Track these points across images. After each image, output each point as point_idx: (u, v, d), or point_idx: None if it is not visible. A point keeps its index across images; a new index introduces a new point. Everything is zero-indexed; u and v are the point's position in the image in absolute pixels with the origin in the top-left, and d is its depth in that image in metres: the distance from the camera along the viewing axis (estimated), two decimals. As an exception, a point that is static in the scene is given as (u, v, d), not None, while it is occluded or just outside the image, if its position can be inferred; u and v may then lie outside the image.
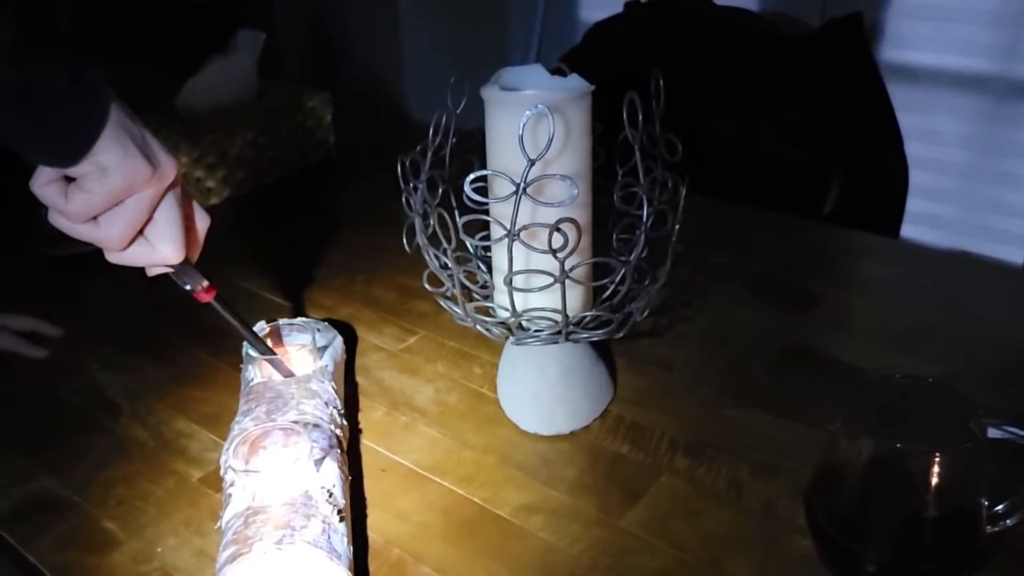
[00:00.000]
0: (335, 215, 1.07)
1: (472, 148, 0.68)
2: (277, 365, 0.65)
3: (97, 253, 0.58)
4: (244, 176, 1.12)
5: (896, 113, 1.41)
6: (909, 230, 1.53)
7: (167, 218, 0.56)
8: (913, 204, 1.50)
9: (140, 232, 0.56)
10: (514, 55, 2.07)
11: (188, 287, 0.61)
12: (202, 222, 0.62)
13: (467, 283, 0.62)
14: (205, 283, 0.61)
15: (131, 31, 1.51)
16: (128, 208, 0.54)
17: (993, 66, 1.60)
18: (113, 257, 0.57)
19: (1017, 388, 0.70)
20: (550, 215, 0.57)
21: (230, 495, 0.55)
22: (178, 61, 1.25)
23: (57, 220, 0.54)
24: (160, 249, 0.57)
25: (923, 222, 1.64)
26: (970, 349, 0.76)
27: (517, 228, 0.55)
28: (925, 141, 1.62)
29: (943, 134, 1.66)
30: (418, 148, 0.64)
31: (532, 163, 0.54)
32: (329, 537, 0.51)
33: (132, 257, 0.57)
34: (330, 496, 0.55)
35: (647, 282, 0.65)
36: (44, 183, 0.52)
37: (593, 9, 1.94)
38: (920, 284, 0.87)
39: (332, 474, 0.57)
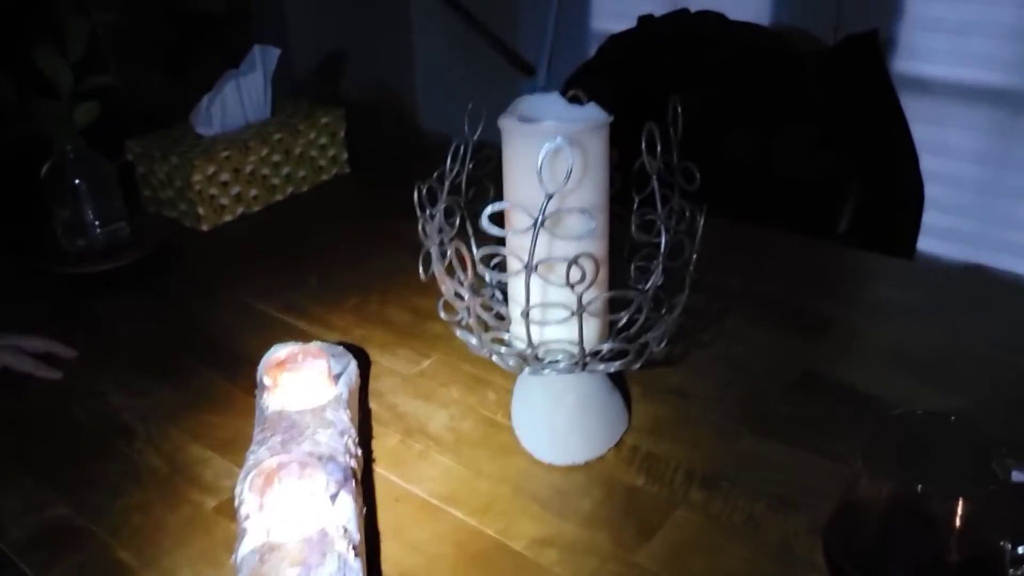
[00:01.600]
0: (349, 232, 1.07)
1: (488, 174, 0.68)
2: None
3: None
4: (258, 192, 1.12)
5: (911, 126, 1.40)
6: (924, 243, 1.52)
7: None
8: (928, 217, 1.49)
9: None
10: (524, 62, 2.07)
11: None
12: None
13: (483, 315, 0.62)
14: None
15: (147, 42, 1.51)
16: None
17: (1009, 79, 1.59)
18: None
19: (1038, 419, 0.70)
20: (568, 246, 0.57)
21: (245, 529, 0.55)
22: (194, 71, 1.26)
23: None
24: None
25: (938, 235, 1.64)
26: (990, 378, 0.75)
27: (535, 261, 0.55)
28: (940, 154, 1.61)
29: (958, 147, 1.65)
30: (435, 175, 0.64)
31: (550, 197, 0.54)
32: (344, 575, 0.51)
33: None
34: (345, 532, 0.55)
35: (664, 311, 0.65)
36: None
37: (605, 19, 1.94)
38: (937, 308, 0.86)
39: (347, 508, 0.57)
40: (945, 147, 1.62)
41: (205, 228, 1.07)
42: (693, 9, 1.29)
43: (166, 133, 1.12)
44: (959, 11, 1.58)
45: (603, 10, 1.90)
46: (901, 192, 1.25)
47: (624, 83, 1.21)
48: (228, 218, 1.10)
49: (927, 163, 1.46)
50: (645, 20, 1.33)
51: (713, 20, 1.26)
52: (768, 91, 1.22)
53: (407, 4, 1.86)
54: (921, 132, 1.44)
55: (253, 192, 1.12)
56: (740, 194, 1.20)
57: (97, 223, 1.01)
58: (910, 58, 1.63)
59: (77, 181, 0.98)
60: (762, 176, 1.23)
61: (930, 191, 1.46)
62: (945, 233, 1.67)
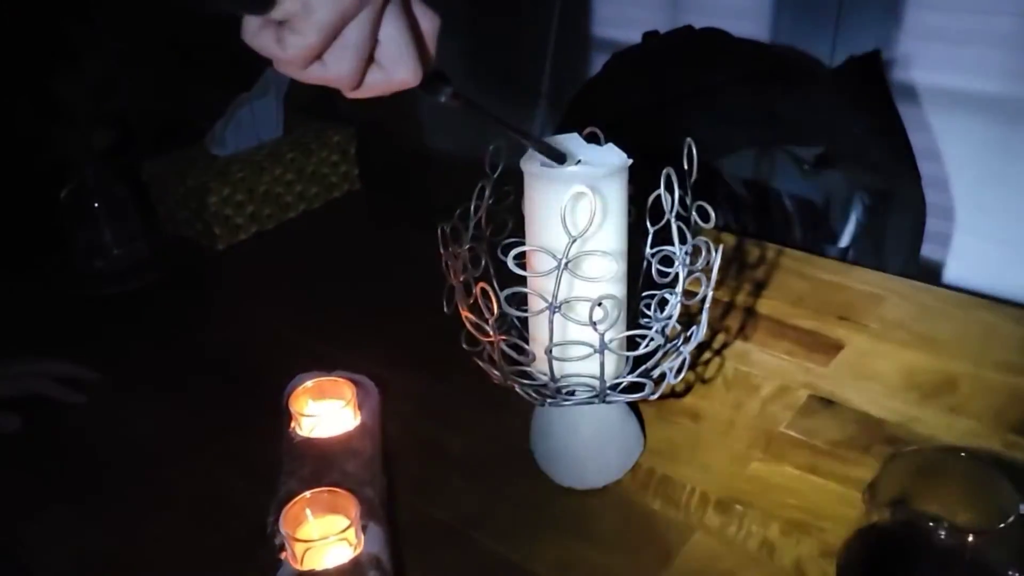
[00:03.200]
0: (363, 248, 1.09)
1: (508, 207, 0.70)
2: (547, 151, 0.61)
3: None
4: (271, 211, 1.14)
5: (909, 134, 1.42)
6: (924, 249, 1.54)
7: (394, 37, 0.51)
8: (927, 224, 1.51)
9: (371, 59, 0.51)
10: (526, 71, 2.08)
11: (433, 98, 0.56)
12: (429, 23, 0.54)
13: (507, 350, 0.64)
14: (450, 90, 0.56)
15: (163, 53, 1.52)
16: (350, 40, 0.48)
17: (1007, 88, 1.60)
18: (352, 95, 0.53)
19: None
20: (589, 287, 0.59)
21: (280, 561, 0.57)
22: (226, 73, 1.26)
23: (282, 69, 0.49)
24: (396, 73, 0.52)
25: (937, 241, 1.66)
26: (999, 402, 0.77)
27: (558, 302, 0.57)
28: (939, 162, 1.63)
29: (956, 155, 1.67)
30: (457, 213, 0.66)
31: (573, 240, 0.55)
32: (380, 607, 0.53)
33: (370, 88, 0.52)
34: (378, 562, 0.57)
35: (680, 341, 0.67)
36: (255, 32, 0.48)
37: (608, 27, 1.95)
38: (946, 330, 0.88)
39: (377, 538, 0.59)
40: (941, 154, 1.65)
41: (221, 247, 1.09)
42: (695, 25, 1.31)
43: (181, 154, 1.13)
44: (957, 20, 1.60)
45: (606, 22, 1.91)
46: (903, 208, 1.27)
47: (630, 100, 1.23)
48: (243, 236, 1.12)
49: (924, 170, 1.47)
50: (650, 36, 1.34)
51: (717, 37, 1.27)
52: (771, 108, 1.23)
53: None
54: (920, 140, 1.46)
55: (267, 211, 1.13)
56: (741, 209, 1.23)
57: (115, 244, 1.02)
58: (909, 67, 1.65)
59: (96, 204, 1.00)
60: (763, 193, 1.25)
61: (928, 197, 1.48)
62: (943, 239, 1.69)
